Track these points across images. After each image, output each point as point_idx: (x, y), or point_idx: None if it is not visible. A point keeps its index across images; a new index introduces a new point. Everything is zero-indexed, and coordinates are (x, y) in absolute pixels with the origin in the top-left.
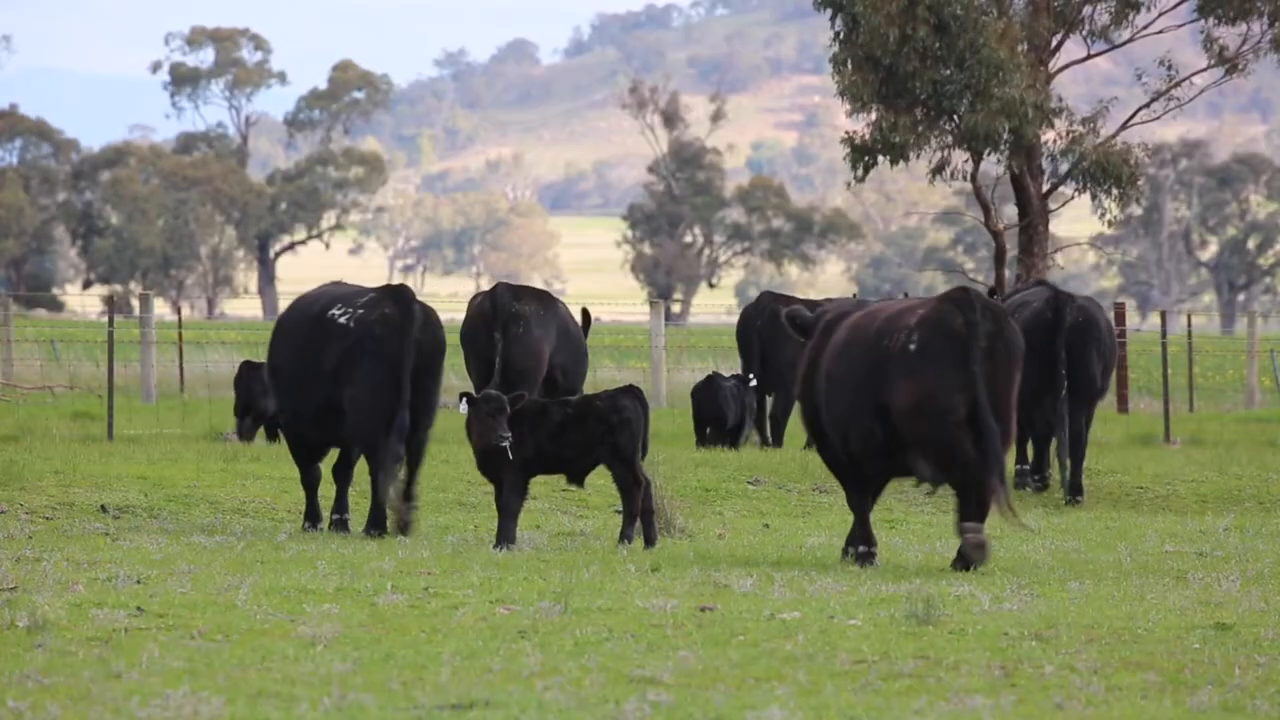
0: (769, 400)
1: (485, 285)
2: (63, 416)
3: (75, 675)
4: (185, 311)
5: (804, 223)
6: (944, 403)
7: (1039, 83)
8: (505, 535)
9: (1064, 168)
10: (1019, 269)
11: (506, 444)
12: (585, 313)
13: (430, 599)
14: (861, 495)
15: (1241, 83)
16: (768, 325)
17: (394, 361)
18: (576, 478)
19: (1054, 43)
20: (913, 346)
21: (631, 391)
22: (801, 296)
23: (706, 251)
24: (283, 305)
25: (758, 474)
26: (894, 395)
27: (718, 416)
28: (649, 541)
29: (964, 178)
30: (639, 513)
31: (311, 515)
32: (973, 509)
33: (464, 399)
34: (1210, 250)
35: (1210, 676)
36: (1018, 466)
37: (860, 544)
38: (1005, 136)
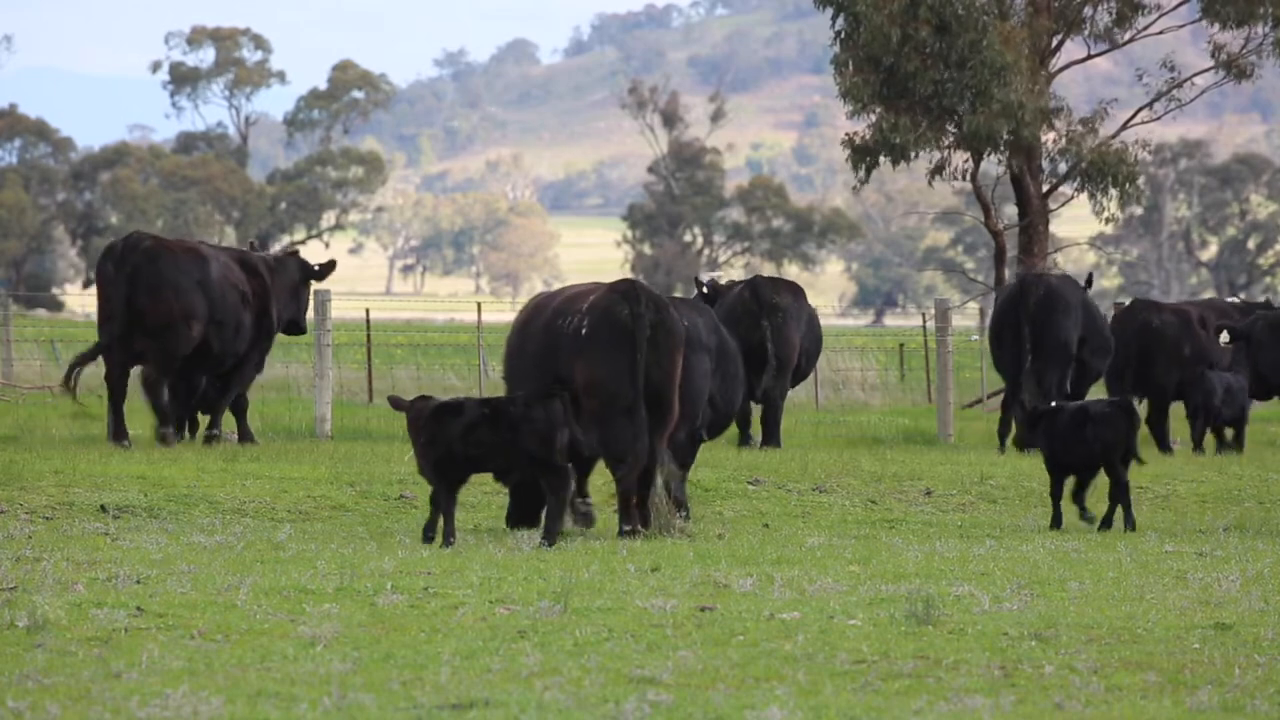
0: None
1: (485, 285)
2: (63, 416)
3: (75, 675)
4: None
5: (804, 223)
6: (613, 386)
7: (1039, 84)
8: (433, 531)
9: (1063, 168)
10: (1019, 269)
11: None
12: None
13: (430, 599)
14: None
15: (1242, 83)
16: (1138, 334)
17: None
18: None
19: (1054, 43)
20: (584, 331)
21: None
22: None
23: (706, 251)
24: None
25: (757, 474)
26: (570, 373)
27: None
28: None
29: (964, 178)
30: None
31: None
32: (626, 505)
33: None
34: (1210, 250)
35: (1210, 676)
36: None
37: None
38: (1005, 137)
